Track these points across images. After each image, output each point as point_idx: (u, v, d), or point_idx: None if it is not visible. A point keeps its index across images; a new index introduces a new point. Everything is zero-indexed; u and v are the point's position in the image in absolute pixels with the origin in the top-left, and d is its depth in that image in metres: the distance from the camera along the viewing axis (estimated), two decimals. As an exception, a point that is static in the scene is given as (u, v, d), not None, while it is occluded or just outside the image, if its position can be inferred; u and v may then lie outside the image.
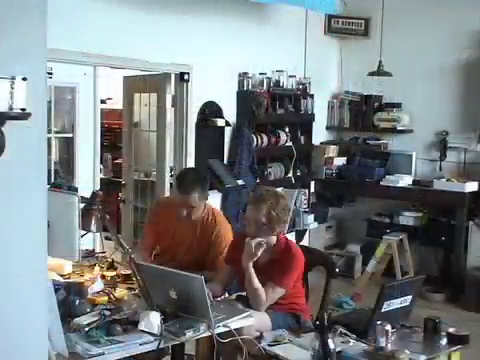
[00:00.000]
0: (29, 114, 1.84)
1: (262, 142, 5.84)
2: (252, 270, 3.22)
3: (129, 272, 3.34)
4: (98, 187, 6.10)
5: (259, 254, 3.22)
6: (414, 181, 6.31)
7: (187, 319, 2.80)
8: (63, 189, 3.19)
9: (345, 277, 6.29)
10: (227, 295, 3.55)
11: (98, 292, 3.12)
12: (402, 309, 3.12)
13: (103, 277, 3.44)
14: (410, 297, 3.15)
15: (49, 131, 5.68)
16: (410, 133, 6.59)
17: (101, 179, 6.74)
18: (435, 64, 6.36)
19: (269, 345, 2.98)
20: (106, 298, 3.06)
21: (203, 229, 3.73)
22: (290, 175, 6.22)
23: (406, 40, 6.47)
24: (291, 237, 6.24)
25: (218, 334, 2.75)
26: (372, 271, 6.25)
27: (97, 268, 3.61)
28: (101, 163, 7.15)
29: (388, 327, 2.80)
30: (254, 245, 3.22)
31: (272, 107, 5.90)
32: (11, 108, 1.79)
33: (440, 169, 6.40)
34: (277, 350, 2.92)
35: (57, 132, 6.22)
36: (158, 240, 3.87)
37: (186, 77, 5.13)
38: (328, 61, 6.92)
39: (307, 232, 6.69)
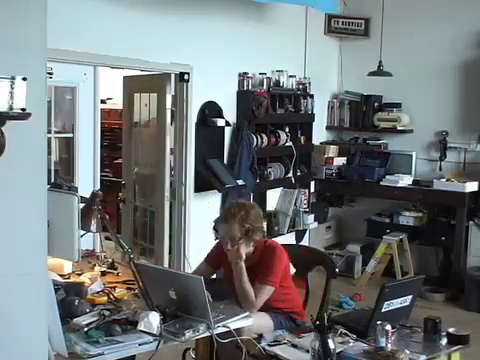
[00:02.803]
0: (29, 114, 1.84)
1: (262, 142, 5.83)
2: (243, 270, 3.19)
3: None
4: (98, 187, 6.10)
5: (244, 254, 3.21)
6: (414, 181, 6.31)
7: (187, 319, 2.79)
8: (63, 189, 3.18)
9: (345, 277, 6.29)
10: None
11: (98, 292, 3.12)
12: (402, 309, 3.12)
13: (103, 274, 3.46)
14: (410, 297, 3.15)
15: (49, 131, 5.69)
16: (410, 133, 6.59)
17: (101, 179, 6.74)
18: (435, 64, 6.36)
19: (269, 345, 2.98)
20: (106, 298, 3.06)
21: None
22: (290, 175, 6.21)
23: (406, 40, 6.47)
24: (291, 237, 6.28)
25: (218, 334, 2.75)
26: (372, 271, 6.26)
27: (97, 268, 3.61)
28: (101, 163, 7.14)
29: (388, 327, 2.80)
30: (236, 250, 3.21)
31: (272, 107, 5.89)
32: (11, 108, 1.79)
33: (440, 169, 6.40)
34: (277, 350, 2.92)
35: (57, 132, 6.23)
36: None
37: (186, 77, 5.13)
38: (328, 61, 6.92)
39: (307, 232, 6.69)
